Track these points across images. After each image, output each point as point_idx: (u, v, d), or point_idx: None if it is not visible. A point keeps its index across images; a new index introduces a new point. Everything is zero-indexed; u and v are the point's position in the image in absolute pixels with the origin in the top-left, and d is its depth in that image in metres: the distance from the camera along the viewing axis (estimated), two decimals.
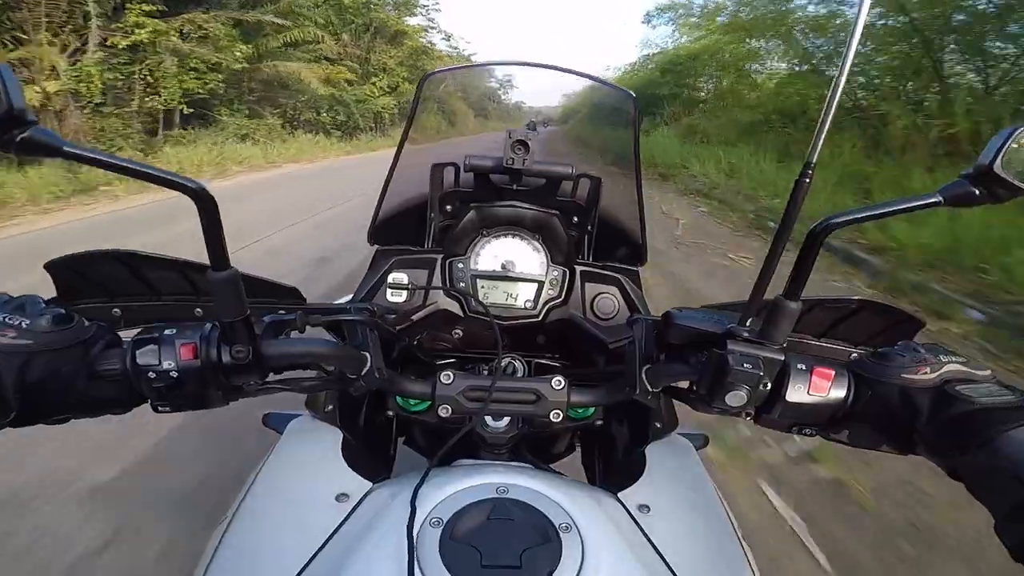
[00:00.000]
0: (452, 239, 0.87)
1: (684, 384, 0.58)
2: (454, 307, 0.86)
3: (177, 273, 0.63)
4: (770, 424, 0.52)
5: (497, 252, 0.88)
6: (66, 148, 0.37)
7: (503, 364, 0.82)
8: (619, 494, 0.56)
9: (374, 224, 0.89)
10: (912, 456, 0.48)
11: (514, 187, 0.86)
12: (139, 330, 0.46)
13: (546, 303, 0.87)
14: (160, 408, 0.46)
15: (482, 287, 0.87)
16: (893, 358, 0.48)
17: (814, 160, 0.41)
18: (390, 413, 0.74)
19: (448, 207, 0.92)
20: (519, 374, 0.84)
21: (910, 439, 0.46)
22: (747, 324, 0.48)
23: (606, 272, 0.88)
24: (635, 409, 0.74)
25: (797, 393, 0.48)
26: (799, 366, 0.48)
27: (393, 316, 0.77)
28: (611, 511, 0.53)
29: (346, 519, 0.51)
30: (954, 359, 0.46)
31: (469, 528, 0.45)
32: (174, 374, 0.44)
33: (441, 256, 0.87)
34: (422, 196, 0.93)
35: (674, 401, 0.66)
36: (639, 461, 0.63)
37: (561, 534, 0.45)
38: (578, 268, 0.88)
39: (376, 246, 0.90)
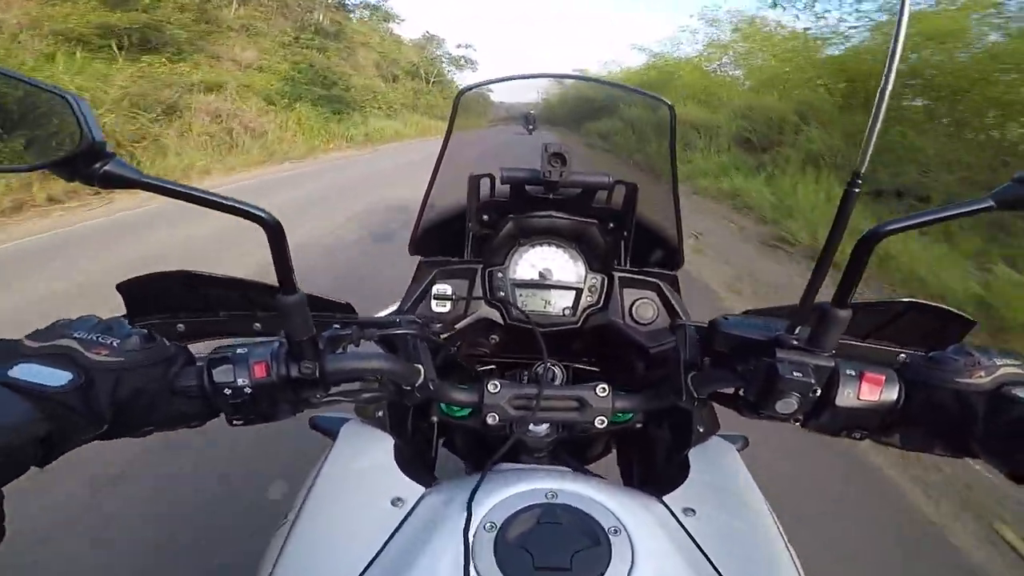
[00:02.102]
0: (491, 249, 0.89)
1: (729, 390, 0.58)
2: (494, 315, 0.88)
3: (235, 291, 0.66)
4: (819, 429, 0.52)
5: (534, 261, 0.89)
6: (144, 180, 0.40)
7: (544, 371, 0.83)
8: (664, 497, 0.57)
9: (415, 236, 0.92)
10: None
11: (550, 196, 0.87)
12: (213, 349, 0.49)
13: (585, 309, 0.88)
14: (235, 422, 0.50)
15: (520, 295, 0.89)
16: (946, 361, 0.48)
17: (863, 170, 0.41)
18: (434, 419, 0.76)
19: (485, 217, 0.94)
20: (558, 380, 0.86)
21: (965, 442, 0.46)
22: (795, 332, 0.49)
23: (644, 278, 0.88)
24: (676, 412, 0.74)
25: (847, 399, 0.48)
26: (848, 372, 0.49)
27: (439, 326, 0.80)
28: (658, 514, 0.54)
29: (402, 523, 0.53)
30: (1008, 361, 0.46)
31: (521, 532, 0.47)
32: (248, 390, 0.47)
33: (481, 266, 0.89)
34: (458, 207, 0.95)
35: (714, 404, 0.67)
36: (682, 465, 0.64)
37: (611, 537, 0.46)
38: (616, 274, 0.88)
39: (418, 257, 0.93)
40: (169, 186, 0.40)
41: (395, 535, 0.52)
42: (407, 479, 0.59)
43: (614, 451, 0.96)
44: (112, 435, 0.45)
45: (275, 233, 0.42)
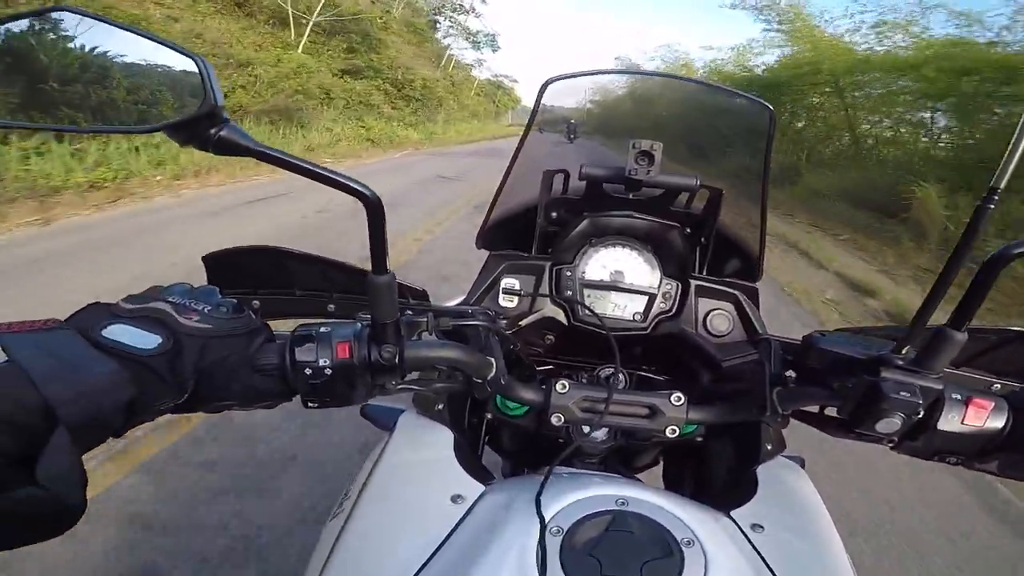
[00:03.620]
0: (561, 247, 0.87)
1: (814, 408, 0.57)
2: (559, 315, 0.86)
3: (316, 269, 0.67)
4: (912, 452, 0.51)
5: (606, 262, 0.87)
6: (256, 148, 0.40)
7: (608, 375, 0.81)
8: (732, 512, 0.55)
9: (483, 229, 0.91)
10: None
11: (629, 196, 0.84)
12: (295, 327, 0.49)
13: (656, 316, 0.85)
14: (310, 404, 0.49)
15: (588, 296, 0.86)
16: None
17: (1002, 185, 0.38)
18: (488, 416, 0.75)
19: (554, 214, 0.92)
20: (622, 386, 0.83)
21: None
22: (903, 352, 0.47)
23: (723, 288, 0.85)
24: (740, 428, 0.71)
25: (950, 423, 0.47)
26: (954, 396, 0.47)
27: (505, 321, 0.79)
28: (728, 529, 0.52)
29: (462, 521, 0.52)
30: None
31: (589, 538, 0.45)
32: (328, 371, 0.46)
33: (549, 263, 0.87)
34: (527, 202, 0.94)
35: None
36: (749, 481, 0.62)
37: (684, 549, 0.44)
38: (692, 282, 0.85)
39: (486, 251, 0.92)
40: (279, 156, 0.40)
41: (454, 533, 0.51)
42: (467, 475, 0.58)
43: (661, 463, 0.93)
44: (189, 407, 0.44)
45: (375, 211, 0.42)
